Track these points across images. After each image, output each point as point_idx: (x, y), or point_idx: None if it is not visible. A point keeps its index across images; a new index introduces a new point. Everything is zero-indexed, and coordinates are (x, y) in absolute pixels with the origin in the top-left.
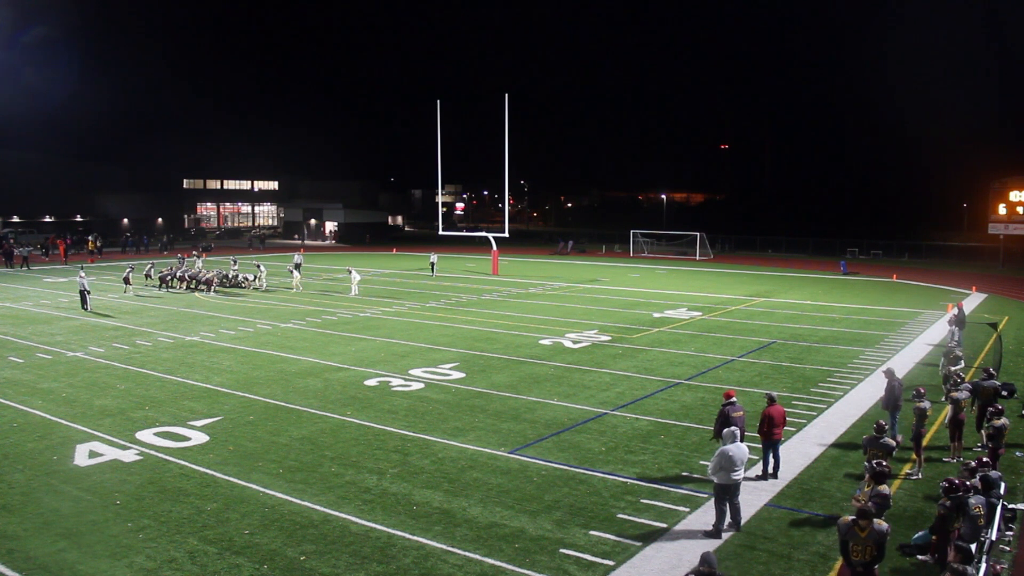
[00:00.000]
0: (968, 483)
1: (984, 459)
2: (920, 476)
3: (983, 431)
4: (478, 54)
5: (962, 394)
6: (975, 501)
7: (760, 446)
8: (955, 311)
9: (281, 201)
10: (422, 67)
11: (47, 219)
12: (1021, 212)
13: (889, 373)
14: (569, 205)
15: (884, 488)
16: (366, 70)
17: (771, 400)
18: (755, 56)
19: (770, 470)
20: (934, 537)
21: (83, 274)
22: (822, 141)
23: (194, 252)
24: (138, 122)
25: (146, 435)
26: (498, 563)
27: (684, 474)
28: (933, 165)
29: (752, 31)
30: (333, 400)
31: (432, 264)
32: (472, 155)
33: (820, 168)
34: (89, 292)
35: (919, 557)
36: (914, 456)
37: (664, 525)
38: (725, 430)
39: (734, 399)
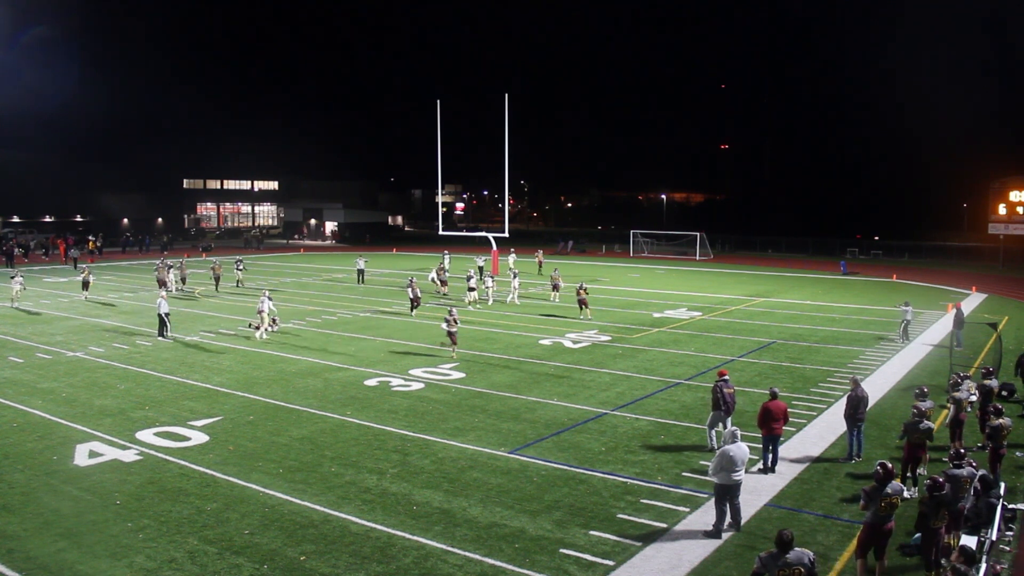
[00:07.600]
0: (960, 456)
1: (962, 450)
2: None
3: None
4: (478, 54)
5: (963, 394)
6: (966, 473)
7: (761, 444)
8: (954, 311)
9: (281, 201)
10: (422, 67)
11: (47, 219)
12: (1021, 212)
13: (854, 382)
14: (569, 205)
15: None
16: (366, 70)
17: (773, 395)
18: (755, 56)
19: (769, 464)
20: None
21: (164, 295)
22: (822, 141)
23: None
24: (138, 122)
25: (146, 435)
26: (498, 563)
27: (684, 474)
28: (933, 165)
29: (752, 31)
30: (333, 400)
31: (480, 268)
32: (472, 155)
33: (820, 168)
34: (169, 315)
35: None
36: None
37: (664, 525)
38: (726, 430)
39: (727, 377)
